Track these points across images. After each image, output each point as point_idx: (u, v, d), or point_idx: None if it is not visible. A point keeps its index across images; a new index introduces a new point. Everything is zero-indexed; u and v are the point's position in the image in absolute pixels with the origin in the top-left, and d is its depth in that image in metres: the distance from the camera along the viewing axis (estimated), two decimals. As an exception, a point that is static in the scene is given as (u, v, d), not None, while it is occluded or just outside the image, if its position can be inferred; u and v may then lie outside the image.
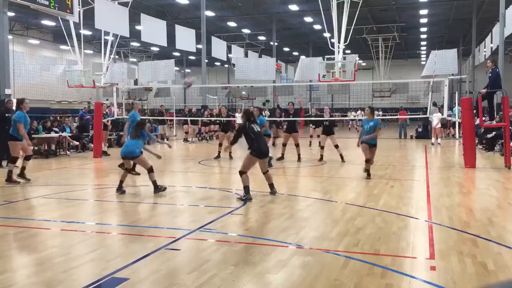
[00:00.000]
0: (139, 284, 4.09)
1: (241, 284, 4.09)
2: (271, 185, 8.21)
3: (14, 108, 13.29)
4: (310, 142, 18.92)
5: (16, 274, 4.39)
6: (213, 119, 20.85)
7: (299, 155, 13.55)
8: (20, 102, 10.15)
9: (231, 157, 14.29)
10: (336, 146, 13.42)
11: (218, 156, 14.44)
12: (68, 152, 16.16)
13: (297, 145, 13.61)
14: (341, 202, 7.73)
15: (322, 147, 13.54)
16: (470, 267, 4.47)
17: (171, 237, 5.53)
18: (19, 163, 10.16)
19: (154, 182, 8.45)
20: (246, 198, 7.71)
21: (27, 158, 10.25)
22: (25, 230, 6.02)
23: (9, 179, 9.74)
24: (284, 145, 13.84)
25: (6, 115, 13.03)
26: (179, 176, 11.15)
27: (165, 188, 8.53)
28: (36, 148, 15.49)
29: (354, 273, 4.31)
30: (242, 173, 7.92)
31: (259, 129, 8.19)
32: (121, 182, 8.57)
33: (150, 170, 8.51)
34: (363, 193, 8.57)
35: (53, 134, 16.01)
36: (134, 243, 5.42)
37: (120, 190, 8.49)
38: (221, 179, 10.83)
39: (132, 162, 9.13)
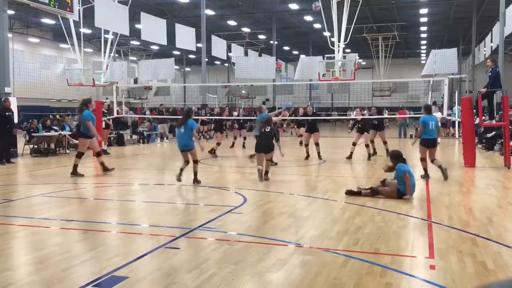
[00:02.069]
0: (138, 282, 4.09)
1: (240, 283, 4.09)
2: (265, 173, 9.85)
3: (11, 107, 13.36)
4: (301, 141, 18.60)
5: (16, 273, 4.39)
6: (213, 118, 20.83)
7: (318, 153, 13.57)
8: (88, 102, 11.08)
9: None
10: (385, 142, 13.85)
11: (214, 153, 14.54)
12: (67, 151, 16.15)
13: (317, 144, 13.58)
14: (340, 201, 7.73)
15: (372, 142, 14.05)
16: (469, 266, 4.47)
17: (171, 235, 5.53)
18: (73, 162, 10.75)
19: (196, 173, 9.51)
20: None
21: (98, 155, 10.98)
22: (24, 228, 6.02)
23: (74, 172, 10.49)
24: (306, 145, 13.76)
25: (7, 113, 13.08)
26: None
27: (199, 182, 9.43)
28: (36, 146, 15.51)
29: (354, 272, 4.31)
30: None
31: (267, 130, 10.14)
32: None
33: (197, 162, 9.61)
34: (362, 192, 8.56)
35: (52, 133, 16.00)
36: (134, 241, 5.42)
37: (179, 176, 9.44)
38: (220, 178, 10.83)
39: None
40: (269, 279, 4.21)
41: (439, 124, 11.90)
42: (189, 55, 48.59)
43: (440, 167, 9.83)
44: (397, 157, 8.13)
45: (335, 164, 12.88)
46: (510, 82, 21.37)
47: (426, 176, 9.95)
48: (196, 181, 9.43)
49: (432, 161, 10.00)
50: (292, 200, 7.95)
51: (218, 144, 14.87)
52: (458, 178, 10.41)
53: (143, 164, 13.78)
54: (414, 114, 21.48)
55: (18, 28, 35.90)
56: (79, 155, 10.68)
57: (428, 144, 9.93)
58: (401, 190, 7.75)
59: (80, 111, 10.81)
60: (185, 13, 32.13)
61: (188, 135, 9.40)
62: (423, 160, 10.09)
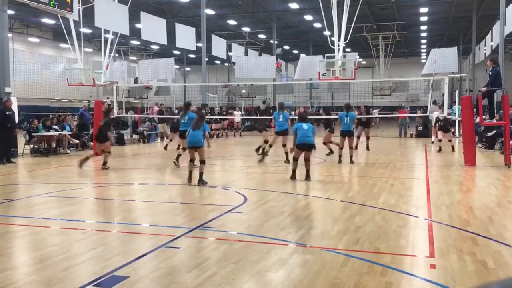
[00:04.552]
0: (139, 282, 4.09)
1: (241, 282, 4.10)
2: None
3: (12, 107, 13.37)
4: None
5: (17, 272, 4.40)
6: (213, 117, 20.86)
7: (351, 156, 12.98)
8: (190, 104, 12.69)
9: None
10: (368, 138, 16.11)
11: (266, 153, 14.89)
12: (68, 151, 16.15)
13: (350, 148, 13.20)
14: (340, 200, 7.74)
15: (358, 137, 15.66)
16: (470, 265, 4.47)
17: (171, 235, 5.54)
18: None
19: (201, 174, 9.36)
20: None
21: (184, 148, 11.73)
22: (25, 228, 6.03)
23: (177, 159, 12.11)
24: (341, 148, 13.19)
25: (7, 113, 13.10)
26: (178, 174, 11.14)
27: (206, 183, 9.25)
28: (36, 146, 15.50)
29: (354, 271, 4.31)
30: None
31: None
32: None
33: (203, 162, 9.48)
34: (362, 191, 8.57)
35: (53, 133, 15.99)
36: (134, 241, 5.43)
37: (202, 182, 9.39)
38: (221, 177, 10.83)
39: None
40: (269, 278, 4.21)
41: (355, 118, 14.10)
42: (189, 54, 48.54)
43: (351, 156, 12.55)
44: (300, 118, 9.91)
45: (334, 164, 12.87)
46: (510, 81, 21.35)
47: (344, 160, 12.37)
48: (201, 181, 9.24)
49: (350, 148, 12.65)
50: (292, 199, 7.96)
51: (266, 142, 14.61)
52: (459, 177, 10.42)
53: (143, 163, 13.79)
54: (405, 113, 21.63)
55: (18, 28, 35.88)
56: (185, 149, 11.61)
57: (345, 134, 12.61)
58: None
59: (185, 112, 12.19)
60: (185, 13, 32.11)
61: (200, 134, 9.60)
62: (342, 148, 12.65)
